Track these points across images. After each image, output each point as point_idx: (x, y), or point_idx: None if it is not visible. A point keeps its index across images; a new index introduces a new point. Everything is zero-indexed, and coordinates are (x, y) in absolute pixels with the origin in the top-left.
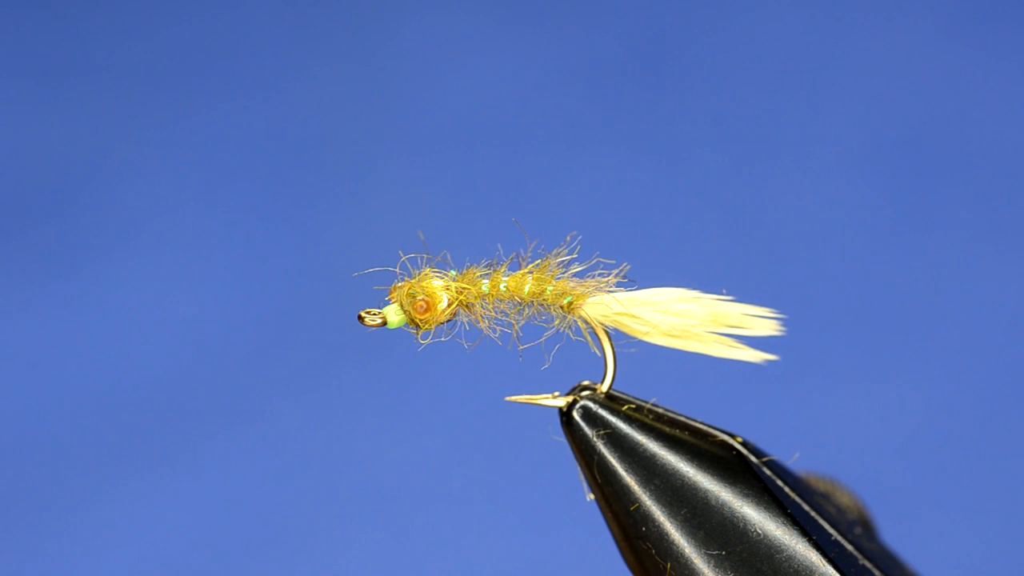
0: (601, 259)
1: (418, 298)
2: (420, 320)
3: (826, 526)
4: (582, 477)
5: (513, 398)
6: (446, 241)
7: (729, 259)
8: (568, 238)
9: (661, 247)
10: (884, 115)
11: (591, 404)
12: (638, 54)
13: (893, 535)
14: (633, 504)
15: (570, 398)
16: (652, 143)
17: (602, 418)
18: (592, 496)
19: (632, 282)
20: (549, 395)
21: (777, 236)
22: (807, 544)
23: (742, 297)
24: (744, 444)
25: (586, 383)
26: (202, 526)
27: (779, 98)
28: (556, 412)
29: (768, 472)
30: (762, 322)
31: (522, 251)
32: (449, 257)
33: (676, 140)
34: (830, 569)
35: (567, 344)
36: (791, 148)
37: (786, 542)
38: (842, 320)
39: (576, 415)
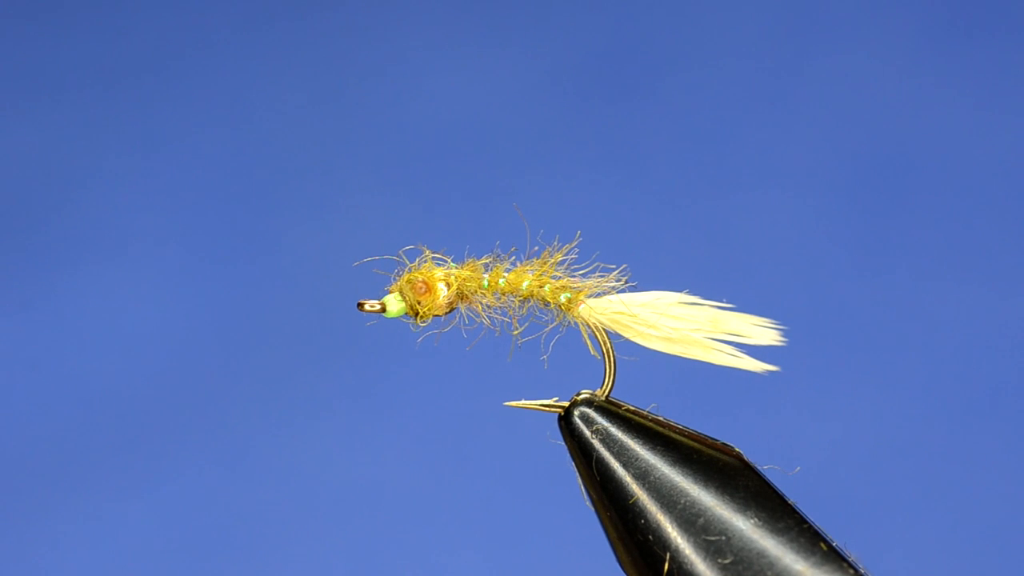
0: (600, 262)
1: (418, 280)
2: (419, 306)
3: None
4: (579, 479)
5: (512, 403)
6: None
7: (695, 269)
8: (576, 238)
9: (625, 257)
10: (852, 134)
11: (591, 405)
12: (617, 65)
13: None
14: (631, 498)
15: (569, 403)
16: (625, 155)
17: (601, 419)
18: (588, 499)
19: (632, 285)
20: (548, 400)
21: (744, 248)
22: (805, 528)
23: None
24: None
25: (585, 391)
26: (169, 539)
27: (750, 112)
28: (554, 417)
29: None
30: (763, 331)
31: (517, 248)
32: (446, 255)
33: (650, 153)
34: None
35: (567, 357)
36: (761, 163)
37: (789, 523)
38: (806, 330)
39: (576, 416)
